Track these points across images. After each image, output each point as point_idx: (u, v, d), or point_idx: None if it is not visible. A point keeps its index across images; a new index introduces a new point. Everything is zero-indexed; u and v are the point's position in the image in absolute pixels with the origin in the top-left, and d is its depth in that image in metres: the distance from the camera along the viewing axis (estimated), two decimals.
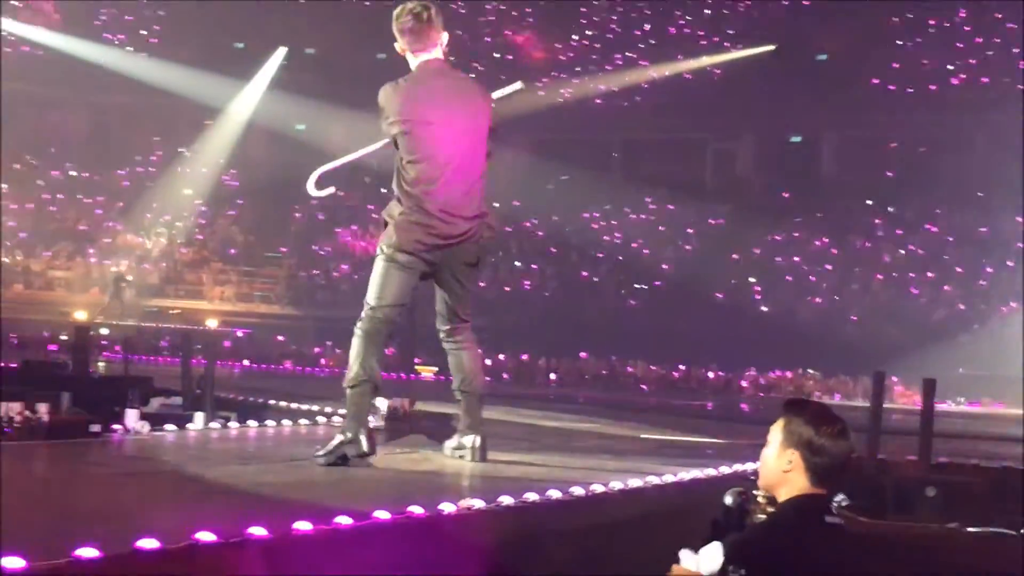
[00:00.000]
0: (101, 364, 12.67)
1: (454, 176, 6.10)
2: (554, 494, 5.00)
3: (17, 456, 5.73)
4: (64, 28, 29.39)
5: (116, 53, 29.87)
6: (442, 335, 6.42)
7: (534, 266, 27.94)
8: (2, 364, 10.73)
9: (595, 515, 4.97)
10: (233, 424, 7.78)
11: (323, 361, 20.57)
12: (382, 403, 8.07)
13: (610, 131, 31.88)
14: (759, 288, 26.21)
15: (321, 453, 5.92)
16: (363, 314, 6.11)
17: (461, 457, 6.22)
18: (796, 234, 27.81)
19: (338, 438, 5.92)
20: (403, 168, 6.14)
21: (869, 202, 28.09)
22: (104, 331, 15.19)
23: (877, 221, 27.61)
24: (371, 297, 6.11)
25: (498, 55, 32.34)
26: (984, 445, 9.64)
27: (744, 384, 19.79)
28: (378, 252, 6.18)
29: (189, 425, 7.45)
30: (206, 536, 3.55)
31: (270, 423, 7.84)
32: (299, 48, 31.82)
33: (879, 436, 7.25)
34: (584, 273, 27.85)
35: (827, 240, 27.31)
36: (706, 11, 31.62)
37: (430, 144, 6.11)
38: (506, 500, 4.71)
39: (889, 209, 27.70)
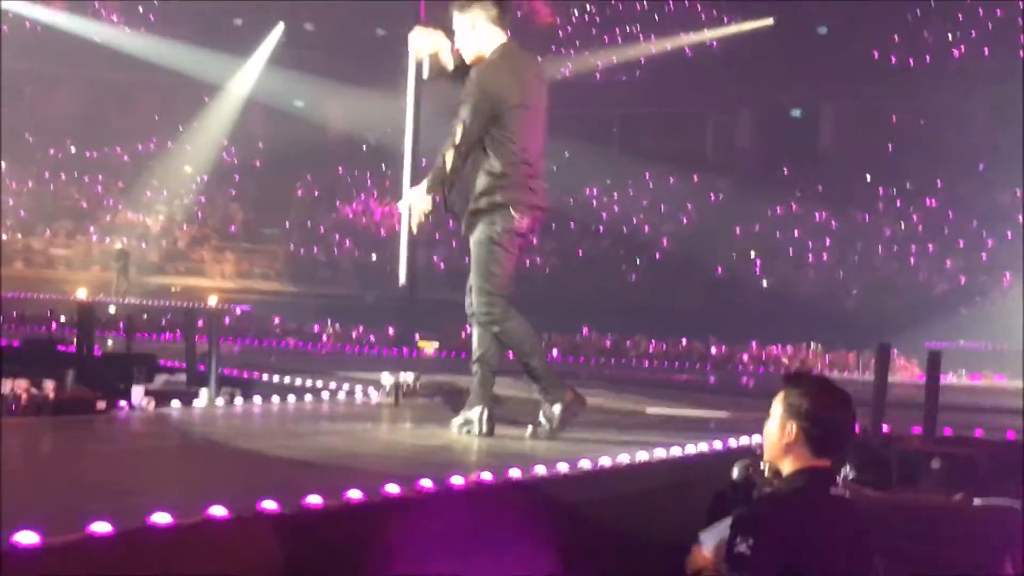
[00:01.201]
0: (110, 342, 12.69)
1: (542, 162, 6.33)
2: (562, 468, 5.02)
3: (25, 433, 5.74)
4: (63, 6, 29.31)
5: (114, 31, 29.81)
6: (472, 311, 6.39)
7: (534, 241, 27.89)
8: (5, 342, 10.74)
9: (603, 489, 4.99)
10: (238, 400, 7.80)
11: (324, 338, 20.56)
12: (388, 379, 8.07)
13: (609, 106, 31.82)
14: (759, 262, 26.23)
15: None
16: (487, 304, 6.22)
17: (468, 432, 6.22)
18: (796, 208, 27.80)
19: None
20: (502, 151, 6.14)
21: (869, 177, 28.05)
22: (111, 310, 15.18)
23: (880, 192, 27.58)
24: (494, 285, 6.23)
25: None
26: (986, 417, 9.67)
27: (746, 358, 19.78)
28: (490, 238, 6.20)
29: (194, 402, 7.47)
30: (218, 511, 3.57)
31: (275, 399, 7.86)
32: (298, 24, 31.73)
33: (883, 409, 7.27)
34: (584, 248, 27.85)
35: (827, 213, 27.30)
36: None
37: (534, 127, 6.24)
38: (515, 474, 4.73)
39: (890, 183, 27.67)
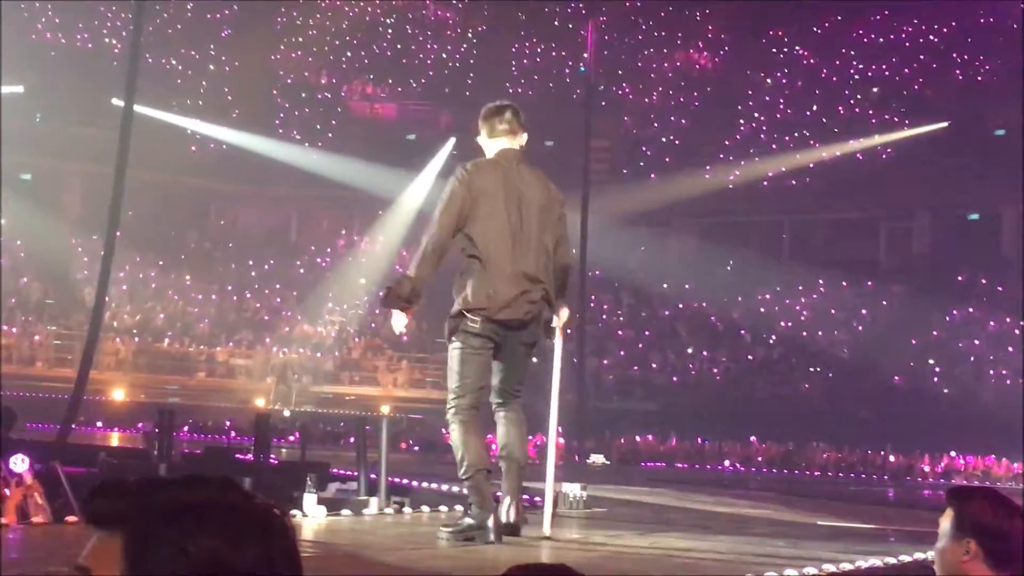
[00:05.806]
0: (284, 451, 13.02)
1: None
2: None
3: None
4: (244, 126, 30.63)
5: (294, 149, 30.98)
6: (495, 406, 6.58)
7: (704, 352, 27.67)
8: (188, 451, 11.16)
9: None
10: (407, 509, 7.89)
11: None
12: (570, 488, 8.22)
13: (779, 212, 31.59)
14: (938, 370, 25.46)
15: (448, 531, 6.10)
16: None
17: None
18: (976, 314, 26.98)
19: (467, 521, 6.08)
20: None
21: None
22: (286, 414, 15.58)
23: None
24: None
25: (665, 140, 32.46)
26: None
27: (925, 468, 19.16)
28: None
29: (364, 510, 7.59)
30: None
31: (443, 509, 7.93)
32: (469, 139, 32.49)
33: None
34: (756, 356, 27.48)
35: (1010, 319, 26.41)
36: (875, 90, 31.24)
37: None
38: None
39: None
